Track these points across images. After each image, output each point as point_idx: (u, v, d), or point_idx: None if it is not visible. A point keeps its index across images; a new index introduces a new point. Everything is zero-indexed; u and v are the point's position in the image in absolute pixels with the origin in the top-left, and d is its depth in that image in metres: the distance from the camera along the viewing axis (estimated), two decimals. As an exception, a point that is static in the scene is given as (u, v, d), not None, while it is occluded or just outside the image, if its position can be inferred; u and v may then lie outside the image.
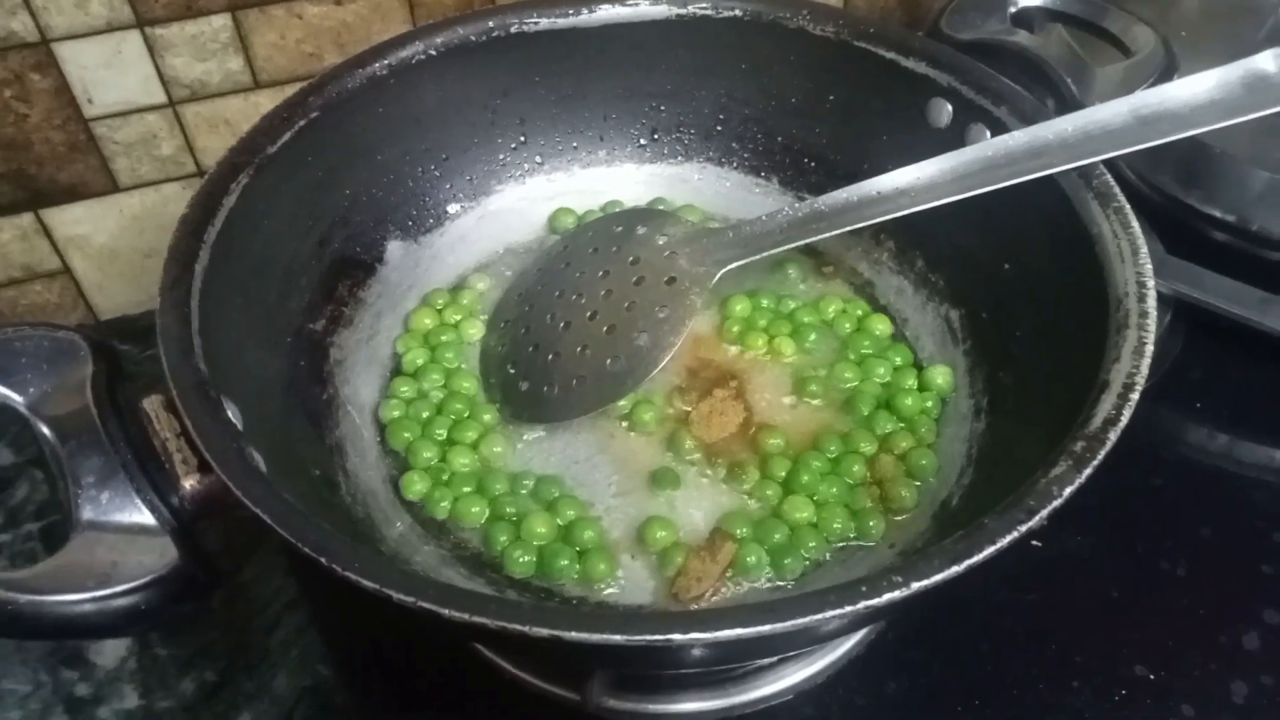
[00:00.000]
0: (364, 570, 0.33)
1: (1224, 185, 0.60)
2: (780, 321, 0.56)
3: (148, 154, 0.66)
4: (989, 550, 0.34)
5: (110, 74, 0.61)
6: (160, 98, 0.63)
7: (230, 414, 0.40)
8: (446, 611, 0.32)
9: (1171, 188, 0.61)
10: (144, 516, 0.36)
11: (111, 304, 0.73)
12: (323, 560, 0.33)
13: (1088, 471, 0.36)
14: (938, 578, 0.33)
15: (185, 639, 0.52)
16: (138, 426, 0.39)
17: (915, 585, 0.33)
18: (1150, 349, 0.40)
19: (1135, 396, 0.38)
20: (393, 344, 0.57)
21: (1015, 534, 0.34)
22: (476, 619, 0.32)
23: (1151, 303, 0.42)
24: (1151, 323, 0.41)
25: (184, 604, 0.36)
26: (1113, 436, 0.37)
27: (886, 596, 0.32)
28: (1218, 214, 0.60)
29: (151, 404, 0.39)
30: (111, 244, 0.69)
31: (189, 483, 0.38)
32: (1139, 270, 0.43)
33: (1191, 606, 0.51)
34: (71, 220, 0.67)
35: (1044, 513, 0.35)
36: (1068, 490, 0.35)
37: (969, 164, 0.49)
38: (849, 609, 0.32)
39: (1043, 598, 0.51)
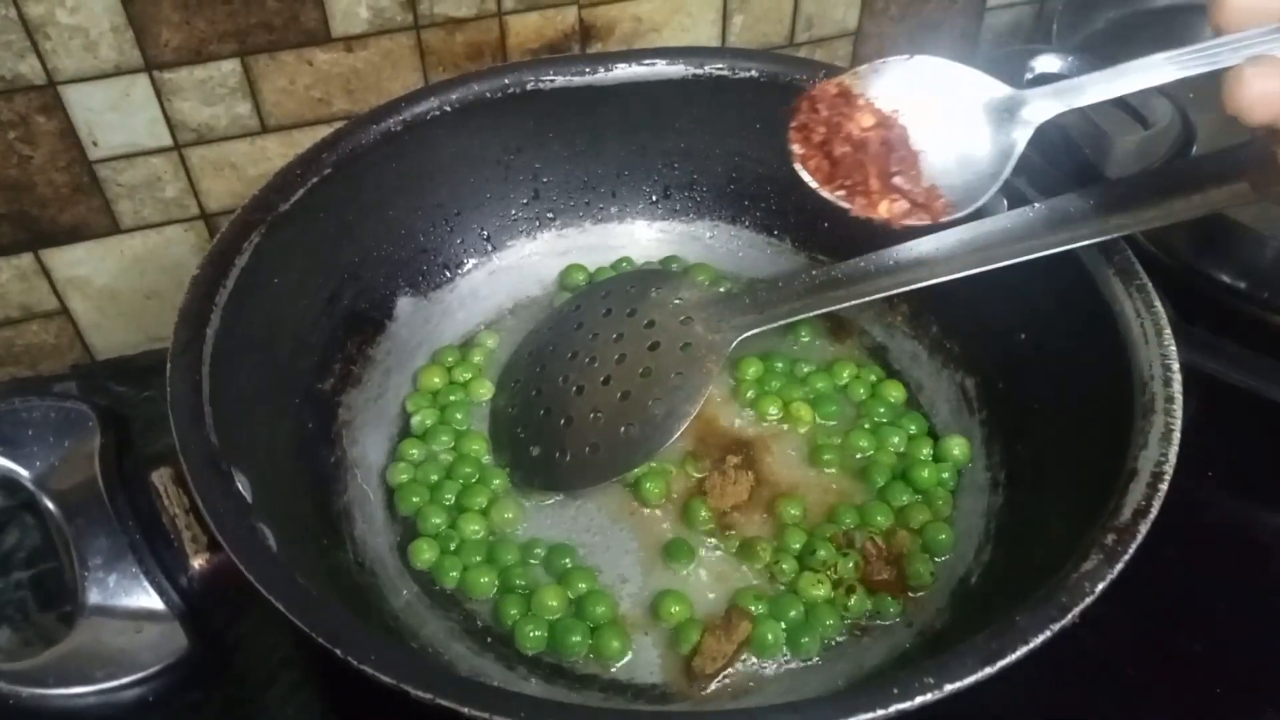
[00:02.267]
0: (380, 663, 0.32)
1: (1238, 252, 0.59)
2: (793, 386, 0.56)
3: (151, 196, 0.65)
4: (1022, 650, 0.33)
5: (117, 117, 0.61)
6: (166, 141, 0.63)
7: (240, 486, 0.39)
8: (467, 710, 0.31)
9: (1185, 254, 0.61)
10: (152, 601, 0.35)
11: (109, 344, 0.72)
12: (337, 652, 0.33)
13: (1119, 566, 0.35)
14: (970, 679, 0.32)
15: (174, 694, 0.51)
16: (146, 501, 0.38)
17: (948, 687, 0.32)
18: (1178, 436, 0.40)
19: (1164, 487, 0.38)
20: (401, 403, 0.56)
21: (1049, 632, 0.34)
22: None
23: (1177, 388, 0.42)
24: (1178, 409, 0.41)
25: (193, 691, 0.35)
26: (1143, 529, 0.37)
27: (919, 699, 0.32)
28: (1231, 281, 0.59)
29: (161, 478, 0.38)
30: (111, 285, 0.69)
31: (198, 562, 0.37)
32: (1164, 353, 0.43)
33: (1209, 685, 0.50)
34: (72, 261, 0.66)
35: (1077, 610, 0.34)
36: (1100, 586, 0.35)
37: (988, 236, 0.49)
38: (880, 713, 0.31)
39: (1052, 677, 0.50)
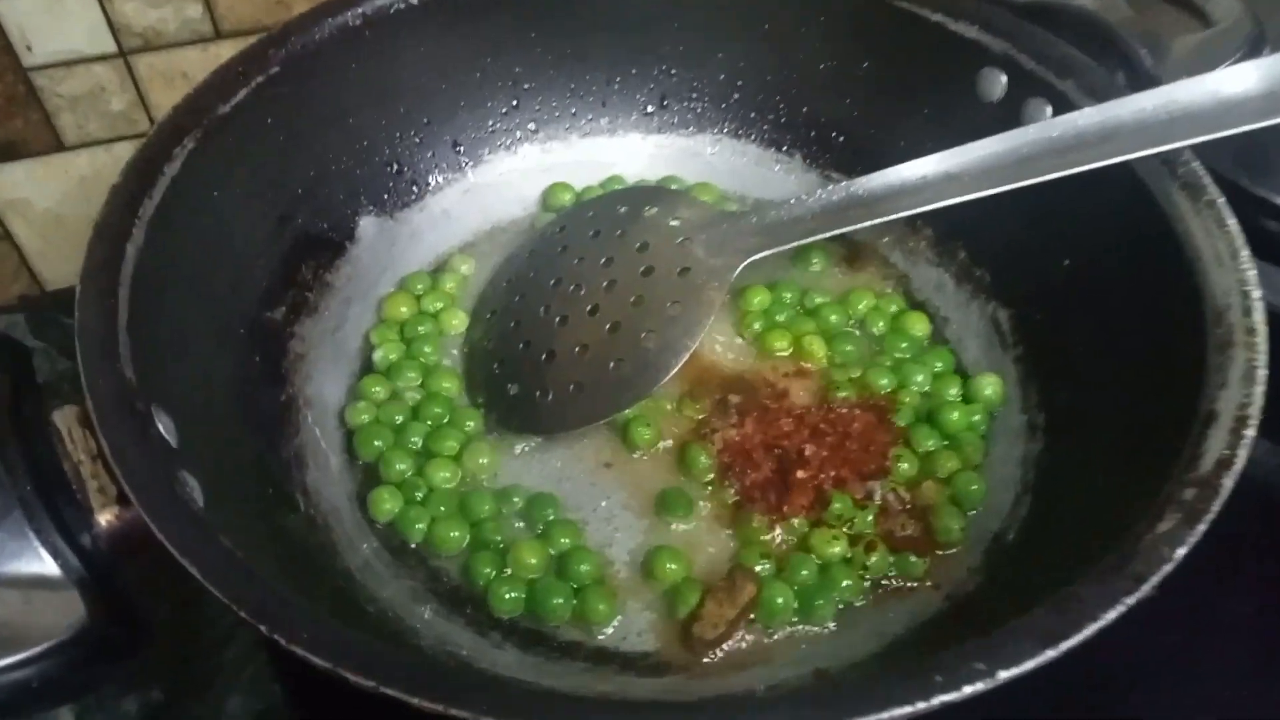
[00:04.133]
0: (313, 642, 0.27)
1: (1299, 174, 0.53)
2: (804, 318, 0.51)
3: (95, 110, 0.62)
4: (1090, 628, 0.28)
5: (52, 20, 0.57)
6: (109, 47, 0.60)
7: (162, 429, 0.35)
8: (416, 700, 0.26)
9: (1236, 175, 0.55)
10: (45, 565, 0.29)
11: (59, 274, 0.69)
12: (263, 629, 0.27)
13: (1201, 527, 0.30)
14: (1028, 664, 0.27)
15: (67, 677, 0.47)
16: (45, 447, 0.32)
17: (1002, 674, 0.27)
18: (1263, 374, 0.34)
19: (1250, 433, 0.33)
20: (363, 336, 0.51)
21: (1121, 607, 0.28)
22: (456, 713, 0.25)
23: (1260, 317, 0.36)
24: (1262, 341, 0.35)
25: (98, 670, 0.29)
26: (1228, 483, 0.31)
27: (967, 689, 0.26)
28: (1290, 205, 0.54)
29: (64, 418, 0.33)
30: (56, 209, 0.66)
31: (105, 518, 0.31)
32: (1241, 277, 0.38)
33: (1259, 654, 0.47)
34: (11, 182, 0.63)
35: (1153, 579, 0.29)
36: (1180, 551, 0.30)
37: (1032, 146, 0.44)
38: (921, 706, 0.26)
39: (1089, 646, 0.46)
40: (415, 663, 0.31)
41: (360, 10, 0.48)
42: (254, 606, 0.28)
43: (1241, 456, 0.32)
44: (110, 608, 0.30)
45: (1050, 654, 0.27)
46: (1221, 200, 0.40)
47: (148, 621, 0.33)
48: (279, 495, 0.42)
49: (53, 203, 0.65)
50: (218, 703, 0.46)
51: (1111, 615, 0.28)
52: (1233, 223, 0.39)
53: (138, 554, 0.32)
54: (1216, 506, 0.31)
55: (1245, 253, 0.38)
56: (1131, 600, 0.28)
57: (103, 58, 0.60)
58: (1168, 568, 0.29)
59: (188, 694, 0.46)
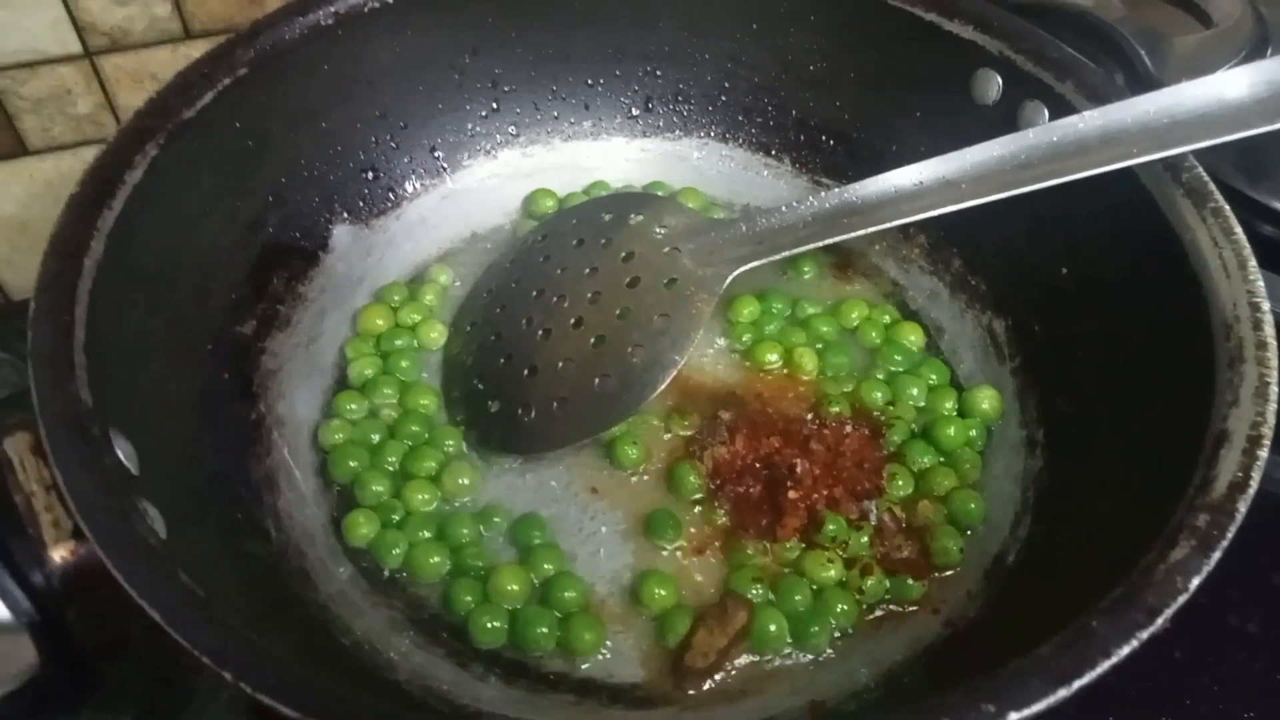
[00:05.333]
0: (279, 690, 0.25)
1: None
2: (795, 329, 0.49)
3: (60, 112, 0.60)
4: (1103, 665, 0.27)
5: (11, 16, 0.55)
6: (74, 47, 0.58)
7: (121, 455, 0.33)
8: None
9: (1233, 179, 0.54)
10: (-8, 606, 0.27)
11: (24, 282, 0.67)
12: (226, 675, 0.25)
13: (1216, 555, 0.29)
14: (1040, 704, 0.26)
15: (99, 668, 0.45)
16: (-6, 478, 0.30)
17: (1013, 716, 0.25)
18: (1275, 390, 0.33)
19: (1264, 454, 0.31)
20: (338, 349, 0.50)
21: (1135, 642, 0.27)
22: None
23: (1270, 331, 0.35)
24: (1274, 356, 0.34)
25: (47, 717, 0.27)
26: (1242, 507, 0.30)
27: (976, 733, 0.25)
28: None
29: (15, 446, 0.31)
30: (21, 214, 0.64)
31: (59, 553, 0.29)
32: (1250, 289, 0.36)
33: (1265, 668, 0.46)
34: None
35: (1168, 612, 0.28)
36: (1194, 581, 0.28)
37: (1031, 150, 0.42)
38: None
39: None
40: (389, 711, 0.29)
41: (333, 9, 0.47)
42: (216, 651, 0.26)
43: (1256, 479, 0.31)
44: (62, 650, 0.28)
45: (1063, 693, 0.26)
46: (1227, 208, 0.39)
47: (95, 668, 0.31)
48: (248, 521, 0.40)
49: (17, 208, 0.63)
50: (192, 726, 0.43)
51: (1125, 651, 0.27)
52: (1240, 232, 0.38)
53: (94, 591, 0.30)
54: (1231, 532, 0.29)
55: (1254, 263, 0.37)
56: (1145, 635, 0.27)
57: (67, 58, 0.58)
58: (1183, 598, 0.28)
59: (163, 717, 0.45)
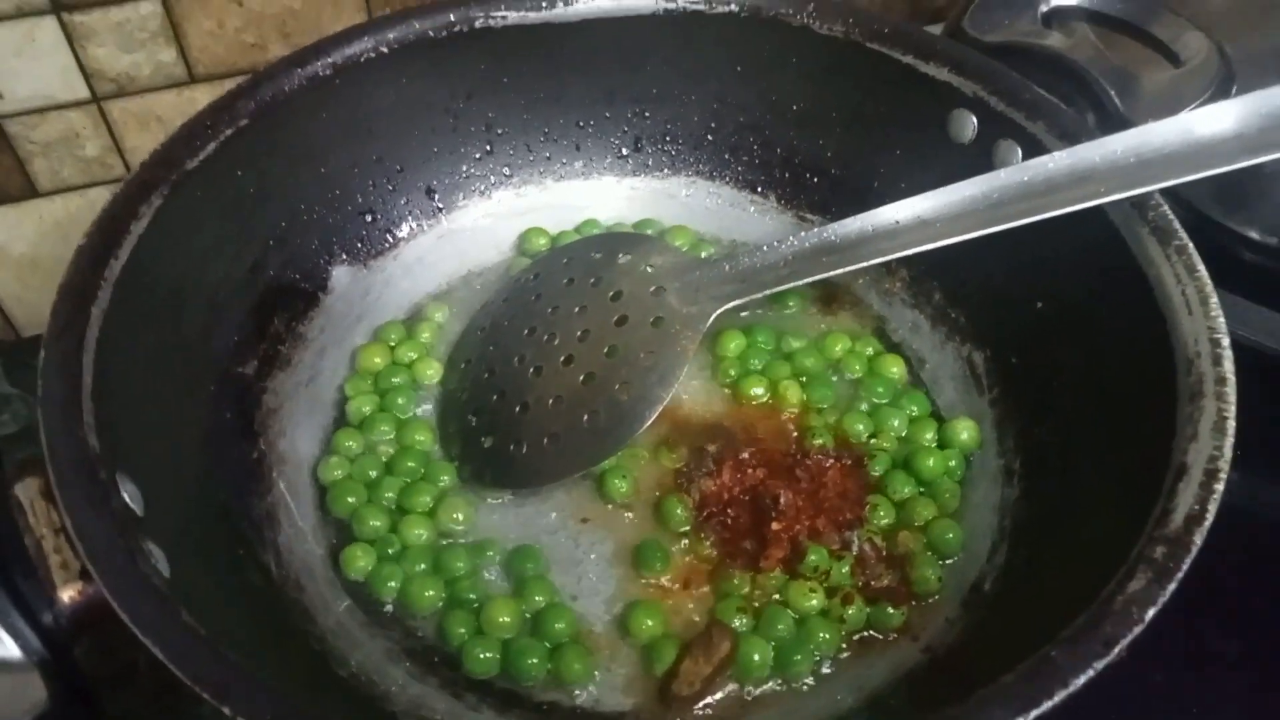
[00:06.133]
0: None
1: (1272, 206, 0.53)
2: (780, 363, 0.50)
3: (70, 155, 0.61)
4: (1060, 694, 0.28)
5: (23, 64, 0.57)
6: (82, 92, 0.59)
7: (126, 496, 0.34)
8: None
9: (1209, 208, 0.55)
10: (5, 648, 0.28)
11: (35, 318, 0.68)
12: (227, 711, 0.27)
13: (1172, 586, 0.30)
14: (1000, 733, 0.27)
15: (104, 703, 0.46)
16: (7, 521, 0.31)
17: (976, 742, 0.26)
18: (1232, 425, 0.34)
19: (1220, 487, 0.33)
20: (336, 388, 0.50)
21: (1092, 671, 0.28)
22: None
23: (1229, 366, 0.36)
24: (1231, 391, 0.35)
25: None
26: (1198, 539, 0.31)
27: (940, 759, 0.26)
28: (1262, 238, 0.54)
29: (26, 491, 0.32)
30: (31, 253, 0.65)
31: (68, 594, 0.31)
32: (1211, 325, 0.37)
33: (1247, 691, 0.46)
34: None
35: (1124, 642, 0.29)
36: (1150, 612, 0.30)
37: (1003, 190, 0.43)
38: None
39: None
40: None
41: (330, 60, 0.48)
42: (218, 688, 0.27)
43: (1211, 512, 0.32)
44: (71, 687, 0.30)
45: (1022, 721, 0.27)
46: (1191, 245, 0.40)
47: (99, 704, 0.32)
48: (249, 556, 0.41)
49: (27, 247, 0.64)
50: (195, 759, 0.44)
51: (1082, 680, 0.28)
52: (1203, 269, 0.39)
53: (99, 630, 0.31)
54: (1187, 564, 0.30)
55: (1215, 300, 0.38)
56: (1101, 665, 0.28)
57: (76, 103, 0.59)
58: (1138, 629, 0.29)
59: (168, 746, 0.45)
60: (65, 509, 0.31)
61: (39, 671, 0.29)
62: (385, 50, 0.49)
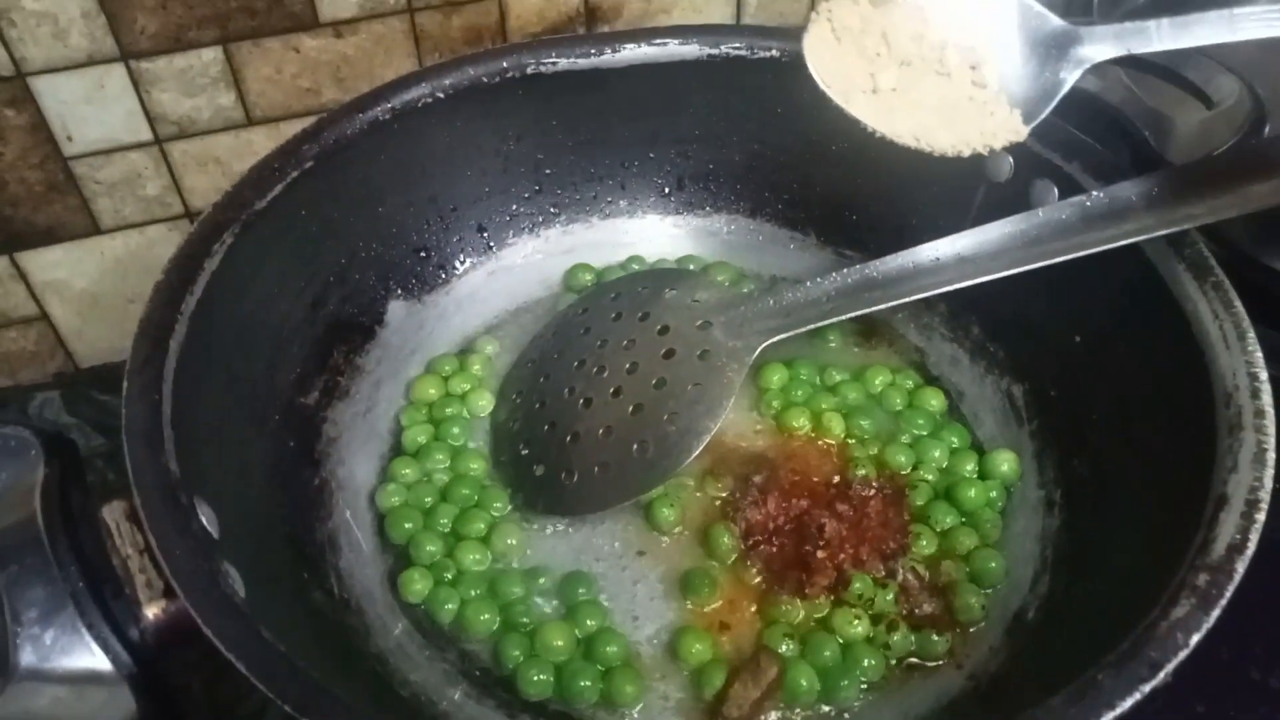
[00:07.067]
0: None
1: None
2: (822, 395, 0.51)
3: (131, 194, 0.63)
4: (1107, 717, 0.28)
5: (92, 110, 0.58)
6: (145, 135, 0.61)
7: (204, 519, 0.35)
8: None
9: (1242, 243, 0.56)
10: (96, 660, 0.30)
11: (92, 351, 0.69)
12: (305, 722, 0.28)
13: (1216, 612, 0.31)
14: (1049, 754, 0.27)
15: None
16: (94, 541, 0.33)
17: (1025, 764, 0.27)
18: (1272, 457, 0.35)
19: (1261, 517, 0.33)
20: (393, 418, 0.52)
21: (1138, 695, 0.29)
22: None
23: (1268, 400, 0.37)
24: (1271, 424, 0.36)
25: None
26: (1240, 567, 0.32)
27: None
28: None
29: (112, 513, 0.34)
30: (92, 289, 0.66)
31: (153, 610, 0.32)
32: (1249, 359, 0.38)
33: None
34: (49, 263, 0.63)
35: (1169, 666, 0.29)
36: (1195, 638, 0.30)
37: (1041, 229, 0.45)
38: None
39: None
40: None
41: (390, 105, 0.49)
42: (298, 700, 0.29)
43: (1253, 540, 0.32)
44: (157, 699, 0.31)
45: (1070, 743, 0.28)
46: (1227, 281, 0.41)
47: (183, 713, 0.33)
48: (314, 579, 0.42)
49: (89, 283, 0.65)
50: (250, 782, 0.45)
51: (1128, 704, 0.29)
52: (1239, 305, 0.40)
53: (182, 646, 0.33)
54: (1230, 591, 0.31)
55: (1252, 335, 0.39)
56: (1148, 688, 0.29)
57: (139, 145, 0.60)
58: (1183, 654, 0.30)
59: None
60: (151, 530, 0.33)
61: (127, 684, 0.30)
62: (441, 95, 0.50)
